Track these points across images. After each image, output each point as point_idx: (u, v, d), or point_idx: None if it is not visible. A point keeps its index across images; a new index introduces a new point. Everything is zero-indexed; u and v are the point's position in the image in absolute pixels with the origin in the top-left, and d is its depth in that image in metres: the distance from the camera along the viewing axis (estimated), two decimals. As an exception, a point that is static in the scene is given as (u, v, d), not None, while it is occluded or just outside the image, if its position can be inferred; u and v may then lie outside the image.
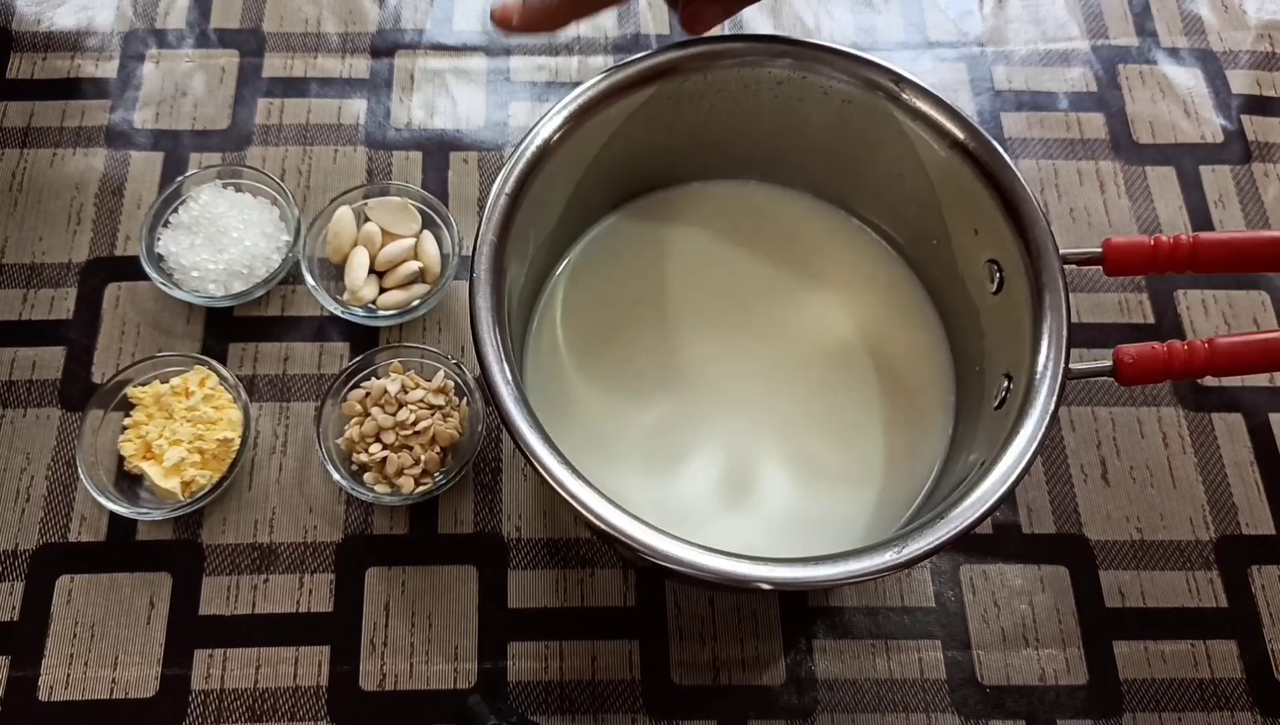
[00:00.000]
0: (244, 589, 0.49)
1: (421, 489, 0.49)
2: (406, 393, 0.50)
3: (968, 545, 0.51)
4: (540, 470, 0.37)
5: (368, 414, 0.50)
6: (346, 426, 0.50)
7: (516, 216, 0.42)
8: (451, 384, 0.51)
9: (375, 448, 0.49)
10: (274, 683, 0.47)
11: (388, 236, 0.55)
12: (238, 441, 0.49)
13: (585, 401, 0.48)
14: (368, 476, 0.49)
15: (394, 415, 0.49)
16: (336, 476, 0.49)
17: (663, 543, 0.36)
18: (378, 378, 0.51)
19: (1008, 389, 0.42)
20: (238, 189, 0.56)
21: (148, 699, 0.47)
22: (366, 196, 0.56)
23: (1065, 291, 0.41)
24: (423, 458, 0.49)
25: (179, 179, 0.56)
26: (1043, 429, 0.39)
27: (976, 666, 0.49)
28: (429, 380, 0.51)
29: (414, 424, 0.49)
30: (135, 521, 0.50)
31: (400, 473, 0.49)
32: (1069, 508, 0.52)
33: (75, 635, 0.48)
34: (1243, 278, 0.58)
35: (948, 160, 0.45)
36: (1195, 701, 0.48)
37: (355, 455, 0.49)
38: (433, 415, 0.49)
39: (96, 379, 0.53)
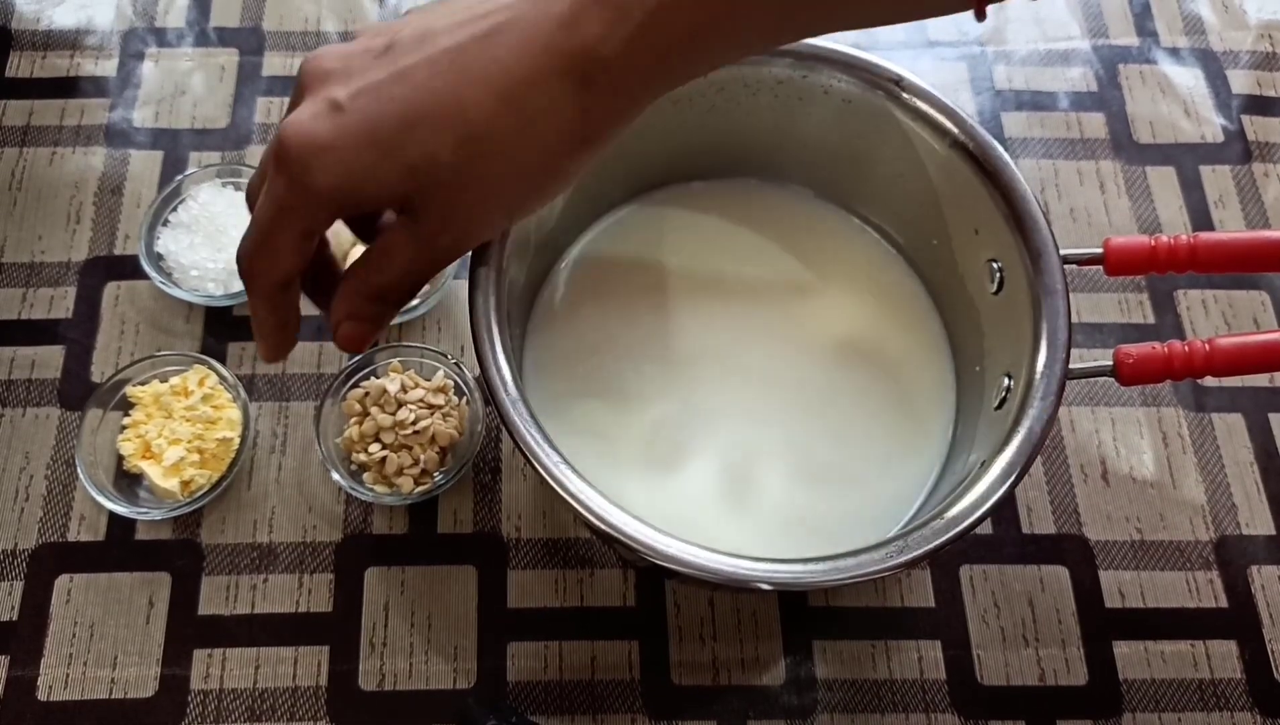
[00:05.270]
0: (243, 589, 0.49)
1: (421, 489, 0.49)
2: (406, 392, 0.50)
3: (968, 545, 0.51)
4: (540, 470, 0.37)
5: (367, 413, 0.49)
6: (346, 426, 0.50)
7: (516, 216, 0.42)
8: (451, 383, 0.51)
9: (374, 447, 0.49)
10: (273, 683, 0.47)
11: (387, 236, 0.55)
12: (237, 441, 0.49)
13: (585, 401, 0.47)
14: (367, 476, 0.49)
15: (393, 415, 0.49)
16: (336, 476, 0.49)
17: (663, 543, 0.36)
18: (377, 377, 0.51)
19: (1008, 389, 0.42)
20: (237, 188, 0.56)
21: (147, 699, 0.46)
22: (366, 196, 0.56)
23: (1065, 291, 0.41)
24: (422, 457, 0.49)
25: (178, 178, 0.55)
26: (1043, 429, 0.39)
27: (976, 666, 0.49)
28: (429, 380, 0.51)
29: (413, 424, 0.49)
30: (134, 521, 0.49)
31: (399, 472, 0.49)
32: (1069, 508, 0.52)
33: (74, 635, 0.48)
34: (1243, 278, 0.58)
35: (948, 159, 0.45)
36: (1195, 701, 0.48)
37: (354, 455, 0.49)
38: (432, 415, 0.49)
39: (95, 378, 0.53)
